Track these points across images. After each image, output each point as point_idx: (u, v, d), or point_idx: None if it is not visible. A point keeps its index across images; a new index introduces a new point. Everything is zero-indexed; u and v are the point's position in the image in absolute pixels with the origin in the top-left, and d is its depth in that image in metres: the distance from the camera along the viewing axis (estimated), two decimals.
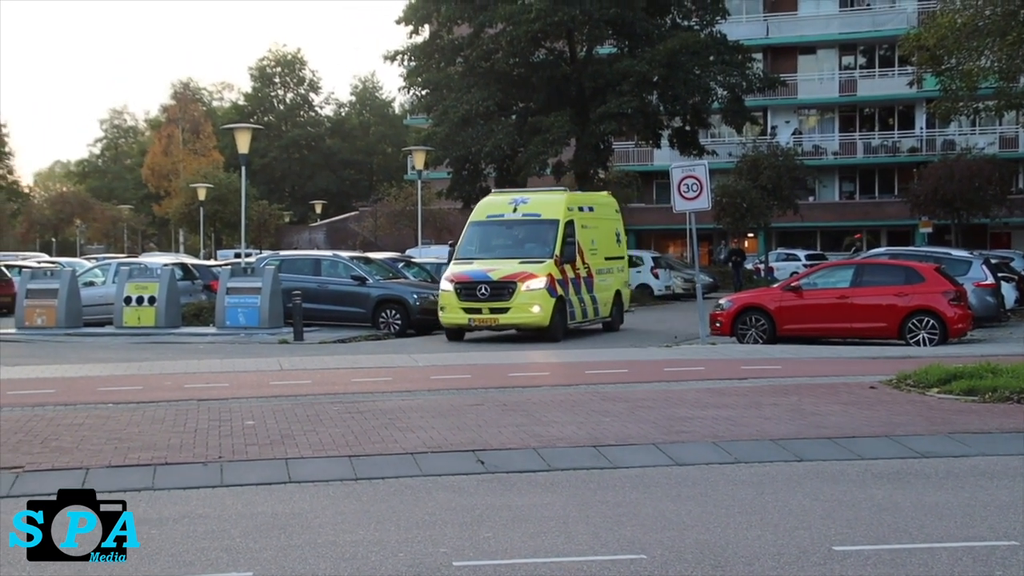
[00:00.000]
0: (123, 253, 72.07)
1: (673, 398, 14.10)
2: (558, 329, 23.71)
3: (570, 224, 24.47)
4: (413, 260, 34.82)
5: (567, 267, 24.17)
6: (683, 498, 9.10)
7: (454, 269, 24.40)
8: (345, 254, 31.46)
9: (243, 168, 31.56)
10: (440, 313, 24.11)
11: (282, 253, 35.41)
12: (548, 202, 25.02)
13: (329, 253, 33.04)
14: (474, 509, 8.79)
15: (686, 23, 44.27)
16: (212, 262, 42.30)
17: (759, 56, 57.46)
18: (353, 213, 79.62)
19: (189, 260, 39.87)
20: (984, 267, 26.58)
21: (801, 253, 57.79)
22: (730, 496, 9.16)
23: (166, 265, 29.12)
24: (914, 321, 21.91)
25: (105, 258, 43.78)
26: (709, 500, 9.04)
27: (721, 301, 24.46)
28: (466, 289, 23.55)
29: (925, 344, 21.53)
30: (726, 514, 8.56)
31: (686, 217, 23.80)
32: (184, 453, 10.76)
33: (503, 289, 23.28)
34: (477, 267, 23.87)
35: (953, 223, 50.22)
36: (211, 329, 26.30)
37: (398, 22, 44.23)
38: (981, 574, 7.04)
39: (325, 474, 10.03)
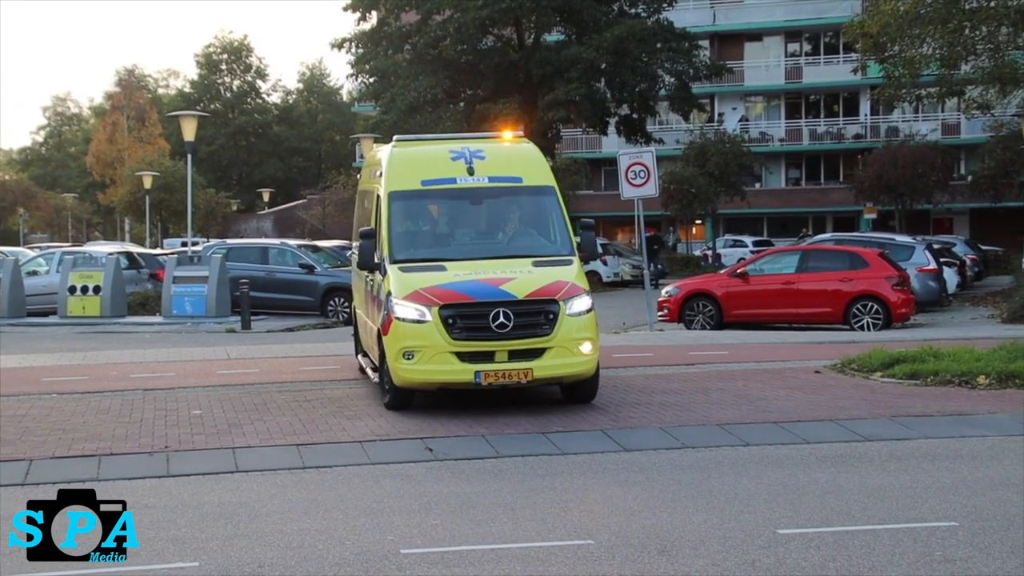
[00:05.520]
0: (67, 242, 71.12)
1: (621, 385, 14.18)
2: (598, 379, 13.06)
3: None
4: None
5: None
6: (630, 484, 9.17)
7: (421, 280, 12.29)
8: (293, 242, 31.30)
9: (189, 156, 31.24)
10: (401, 364, 12.01)
11: (229, 241, 35.13)
12: (521, 157, 13.96)
13: (277, 241, 32.86)
14: (422, 497, 8.80)
15: (633, 10, 44.36)
16: (158, 251, 41.85)
17: (706, 43, 57.74)
18: (301, 201, 79.03)
19: (135, 249, 39.39)
20: (927, 252, 26.94)
21: (748, 239, 58.18)
22: (676, 481, 9.24)
23: (111, 254, 28.79)
24: (858, 306, 22.17)
25: (49, 247, 43.25)
26: (656, 485, 9.11)
27: (668, 288, 24.59)
28: (466, 317, 11.96)
29: (869, 329, 21.80)
30: (672, 499, 8.63)
31: (634, 204, 23.88)
32: (130, 443, 10.70)
33: (538, 315, 12.09)
34: (467, 276, 12.34)
35: (897, 209, 50.78)
36: (158, 318, 26.11)
37: (345, 9, 44.03)
38: (922, 555, 7.16)
39: (272, 463, 10.01)
